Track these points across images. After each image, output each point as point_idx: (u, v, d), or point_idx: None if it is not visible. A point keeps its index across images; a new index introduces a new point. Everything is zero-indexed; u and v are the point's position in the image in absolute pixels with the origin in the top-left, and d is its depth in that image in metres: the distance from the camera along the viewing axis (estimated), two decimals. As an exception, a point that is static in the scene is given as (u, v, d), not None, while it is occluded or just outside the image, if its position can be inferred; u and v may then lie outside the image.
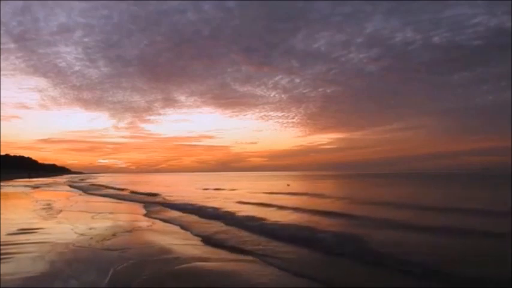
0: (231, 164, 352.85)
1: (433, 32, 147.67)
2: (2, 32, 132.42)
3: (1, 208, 15.68)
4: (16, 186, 38.03)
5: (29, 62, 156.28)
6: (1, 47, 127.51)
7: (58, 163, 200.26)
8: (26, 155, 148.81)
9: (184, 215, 13.81)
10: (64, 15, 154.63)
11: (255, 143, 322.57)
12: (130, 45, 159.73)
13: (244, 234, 9.34)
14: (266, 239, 8.72)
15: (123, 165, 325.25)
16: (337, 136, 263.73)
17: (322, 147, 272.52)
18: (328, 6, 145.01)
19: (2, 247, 7.69)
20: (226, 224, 11.01)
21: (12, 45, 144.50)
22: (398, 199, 19.28)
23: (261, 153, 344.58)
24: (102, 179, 76.63)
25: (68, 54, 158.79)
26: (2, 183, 42.82)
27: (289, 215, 13.25)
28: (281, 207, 15.55)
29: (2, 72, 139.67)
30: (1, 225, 10.63)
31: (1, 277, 5.60)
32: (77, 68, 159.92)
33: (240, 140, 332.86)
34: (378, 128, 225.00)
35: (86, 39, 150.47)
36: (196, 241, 8.78)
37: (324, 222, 11.16)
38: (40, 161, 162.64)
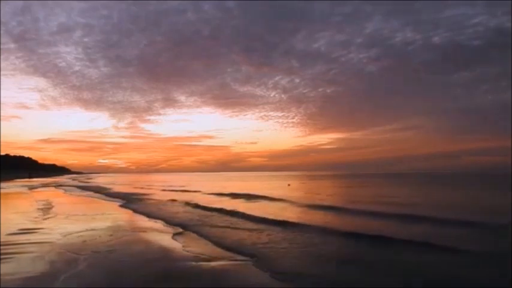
0: (231, 164, 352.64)
1: (433, 32, 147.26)
2: (2, 32, 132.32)
3: (1, 208, 15.71)
4: (13, 187, 38.11)
5: (29, 62, 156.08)
6: (1, 47, 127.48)
7: (58, 163, 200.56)
8: (26, 155, 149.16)
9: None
10: (64, 15, 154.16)
11: (255, 143, 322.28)
12: (130, 45, 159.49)
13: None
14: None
15: (123, 165, 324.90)
16: (337, 136, 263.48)
17: (322, 147, 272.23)
18: (328, 6, 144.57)
19: (2, 247, 7.71)
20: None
21: (12, 45, 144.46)
22: (354, 204, 17.43)
23: (261, 153, 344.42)
24: (100, 179, 76.73)
25: (68, 54, 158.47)
26: (1, 183, 42.92)
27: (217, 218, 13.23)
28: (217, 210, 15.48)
29: (2, 72, 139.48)
30: (1, 225, 10.65)
31: (1, 277, 5.61)
32: (77, 68, 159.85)
33: (240, 140, 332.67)
34: (378, 128, 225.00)
35: (85, 39, 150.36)
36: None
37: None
38: (40, 161, 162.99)
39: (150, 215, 13.86)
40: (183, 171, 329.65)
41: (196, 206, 17.07)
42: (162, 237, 9.37)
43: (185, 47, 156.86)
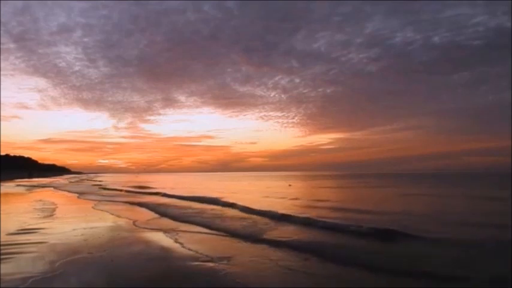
0: (231, 164, 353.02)
1: (433, 32, 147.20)
2: (2, 32, 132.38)
3: (0, 208, 15.68)
4: (13, 187, 38.10)
5: (28, 62, 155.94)
6: (1, 47, 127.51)
7: (58, 163, 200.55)
8: (26, 155, 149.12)
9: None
10: (64, 15, 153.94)
11: (255, 143, 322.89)
12: (130, 45, 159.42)
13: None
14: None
15: (123, 165, 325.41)
16: (337, 136, 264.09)
17: (322, 147, 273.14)
18: (328, 6, 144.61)
19: (2, 247, 7.69)
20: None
21: (12, 45, 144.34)
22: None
23: (261, 153, 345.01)
24: (95, 180, 76.84)
25: (68, 54, 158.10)
26: (1, 183, 42.92)
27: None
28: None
29: (2, 72, 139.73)
30: (1, 225, 10.64)
31: (1, 277, 5.60)
32: (76, 68, 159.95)
33: (240, 140, 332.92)
34: (378, 128, 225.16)
35: (85, 39, 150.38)
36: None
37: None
38: (40, 161, 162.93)
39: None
40: (183, 171, 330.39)
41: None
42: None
43: (185, 47, 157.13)
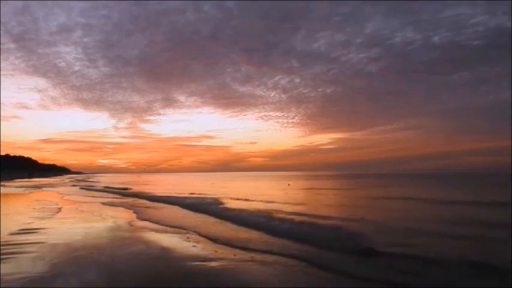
0: (231, 164, 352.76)
1: (433, 32, 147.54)
2: (2, 32, 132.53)
3: (0, 208, 15.69)
4: (13, 187, 38.10)
5: (28, 62, 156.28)
6: (1, 47, 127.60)
7: (58, 163, 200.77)
8: (26, 155, 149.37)
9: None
10: (63, 15, 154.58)
11: (255, 143, 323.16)
12: (130, 45, 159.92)
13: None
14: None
15: (123, 165, 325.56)
16: (337, 136, 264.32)
17: (322, 147, 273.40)
18: (328, 6, 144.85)
19: (2, 247, 7.69)
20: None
21: (12, 45, 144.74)
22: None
23: (261, 153, 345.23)
24: (96, 180, 76.81)
25: (68, 54, 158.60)
26: (1, 183, 42.94)
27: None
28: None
29: (2, 72, 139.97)
30: (1, 225, 10.65)
31: (1, 277, 5.60)
32: (76, 68, 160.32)
33: (240, 140, 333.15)
34: (378, 128, 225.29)
35: (85, 39, 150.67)
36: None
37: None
38: (40, 161, 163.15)
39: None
40: (183, 171, 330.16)
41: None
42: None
43: (185, 47, 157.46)
